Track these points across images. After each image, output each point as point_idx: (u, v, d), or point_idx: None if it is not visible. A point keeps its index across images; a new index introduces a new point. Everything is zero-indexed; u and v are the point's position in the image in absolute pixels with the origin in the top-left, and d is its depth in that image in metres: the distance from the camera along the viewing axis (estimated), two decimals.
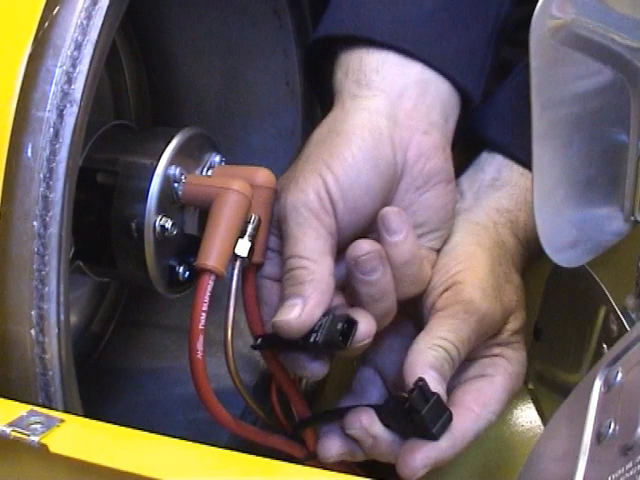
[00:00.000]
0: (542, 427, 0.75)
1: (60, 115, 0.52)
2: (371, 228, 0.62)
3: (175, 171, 0.63)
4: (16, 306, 0.52)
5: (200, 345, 0.59)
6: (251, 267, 0.63)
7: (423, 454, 0.58)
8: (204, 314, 0.59)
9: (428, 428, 0.58)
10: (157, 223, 0.62)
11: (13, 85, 0.52)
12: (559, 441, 0.50)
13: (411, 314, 0.65)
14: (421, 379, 0.58)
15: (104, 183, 0.64)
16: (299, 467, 0.46)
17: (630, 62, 0.56)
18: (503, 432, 0.78)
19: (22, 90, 0.52)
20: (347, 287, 0.62)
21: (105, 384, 0.80)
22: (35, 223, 0.52)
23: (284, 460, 0.47)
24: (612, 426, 0.46)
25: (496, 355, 0.64)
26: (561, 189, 0.57)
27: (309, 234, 0.60)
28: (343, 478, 0.45)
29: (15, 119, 0.52)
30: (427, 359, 0.59)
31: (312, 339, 0.59)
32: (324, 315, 0.59)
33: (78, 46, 0.53)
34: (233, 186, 0.61)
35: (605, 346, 0.62)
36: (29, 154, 0.52)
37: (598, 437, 0.46)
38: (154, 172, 0.62)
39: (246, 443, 0.64)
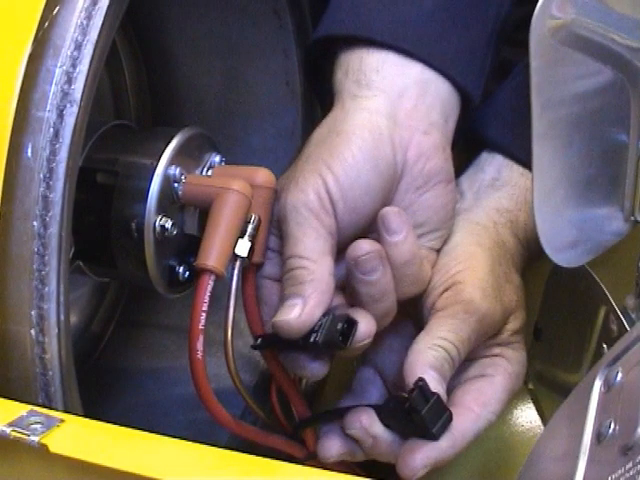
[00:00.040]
0: (542, 427, 0.75)
1: (60, 115, 0.52)
2: (371, 228, 0.62)
3: (175, 171, 0.63)
4: (16, 306, 0.52)
5: (200, 345, 0.59)
6: (251, 267, 0.63)
7: (423, 454, 0.58)
8: (204, 314, 0.59)
9: (428, 428, 0.58)
10: (157, 223, 0.62)
11: (13, 85, 0.52)
12: (559, 441, 0.50)
13: (411, 314, 0.65)
14: (421, 379, 0.58)
15: (104, 183, 0.64)
16: (299, 467, 0.46)
17: (630, 62, 0.56)
18: (503, 432, 0.78)
19: (22, 90, 0.52)
20: (347, 287, 0.62)
21: (105, 384, 0.80)
22: (35, 223, 0.52)
23: (284, 460, 0.47)
24: (612, 426, 0.46)
25: (496, 355, 0.64)
26: (561, 189, 0.57)
27: (309, 234, 0.60)
28: (343, 478, 0.45)
29: (15, 119, 0.52)
30: (427, 359, 0.59)
31: (312, 339, 0.59)
32: (324, 315, 0.59)
33: (78, 46, 0.53)
34: (233, 186, 0.61)
35: (605, 346, 0.62)
36: (29, 154, 0.52)
37: (598, 437, 0.46)
38: (154, 172, 0.62)
39: (246, 443, 0.64)
